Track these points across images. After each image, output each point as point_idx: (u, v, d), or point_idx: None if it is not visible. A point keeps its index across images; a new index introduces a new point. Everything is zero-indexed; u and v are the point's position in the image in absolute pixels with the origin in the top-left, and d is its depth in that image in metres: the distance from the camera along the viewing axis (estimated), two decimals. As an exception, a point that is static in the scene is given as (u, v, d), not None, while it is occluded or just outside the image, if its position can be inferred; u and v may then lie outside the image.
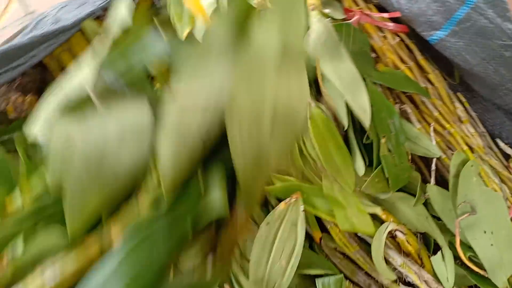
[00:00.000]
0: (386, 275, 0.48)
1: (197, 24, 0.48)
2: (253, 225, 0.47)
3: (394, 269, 0.49)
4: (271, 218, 0.44)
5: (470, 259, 0.45)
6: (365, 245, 0.52)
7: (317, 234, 0.51)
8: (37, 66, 0.56)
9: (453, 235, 0.47)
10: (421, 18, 0.55)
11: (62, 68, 0.58)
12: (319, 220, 0.52)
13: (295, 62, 0.40)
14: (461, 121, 0.58)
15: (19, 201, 0.34)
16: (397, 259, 0.48)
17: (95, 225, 0.33)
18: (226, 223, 0.40)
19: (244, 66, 0.37)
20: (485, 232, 0.45)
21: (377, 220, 0.49)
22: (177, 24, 0.51)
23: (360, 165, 0.48)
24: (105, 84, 0.36)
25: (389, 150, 0.48)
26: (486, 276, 0.45)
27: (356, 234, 0.52)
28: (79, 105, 0.34)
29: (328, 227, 0.52)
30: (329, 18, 0.54)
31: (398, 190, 0.49)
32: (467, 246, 0.45)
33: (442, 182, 0.50)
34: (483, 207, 0.46)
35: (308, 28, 0.50)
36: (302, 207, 0.45)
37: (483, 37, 0.52)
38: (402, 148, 0.48)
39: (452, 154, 0.49)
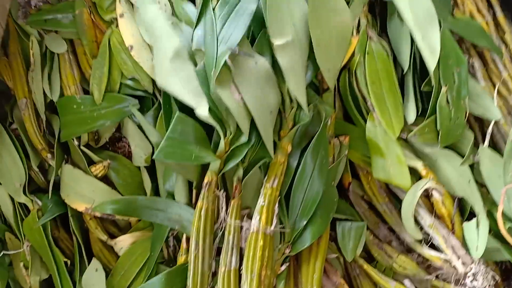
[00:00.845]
0: (412, 233, 0.45)
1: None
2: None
3: (421, 228, 0.46)
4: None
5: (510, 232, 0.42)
6: (394, 198, 0.49)
7: (347, 178, 0.48)
8: None
9: (494, 204, 0.43)
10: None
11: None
12: (352, 165, 0.49)
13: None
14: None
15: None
16: (427, 219, 0.45)
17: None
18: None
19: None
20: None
21: (414, 175, 0.46)
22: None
23: (411, 111, 0.45)
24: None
25: (447, 102, 0.44)
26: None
27: (387, 186, 0.49)
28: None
29: (360, 173, 0.49)
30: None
31: (446, 147, 0.45)
32: (508, 218, 0.42)
33: (493, 149, 0.46)
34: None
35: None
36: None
37: None
38: (461, 103, 0.44)
39: (512, 120, 0.45)
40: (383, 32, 0.50)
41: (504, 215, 0.42)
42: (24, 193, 0.50)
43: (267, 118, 0.39)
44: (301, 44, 0.40)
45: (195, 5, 0.45)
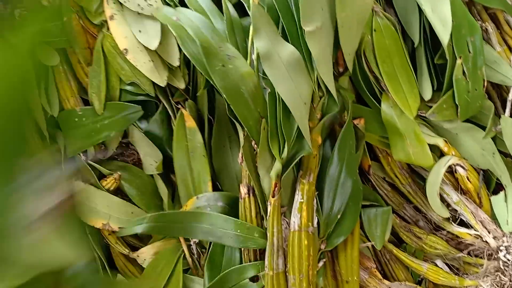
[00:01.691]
0: (438, 212, 0.44)
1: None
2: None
3: (448, 206, 0.45)
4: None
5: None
6: (417, 177, 0.47)
7: (366, 162, 0.47)
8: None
9: (522, 175, 0.42)
10: None
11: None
12: (369, 147, 0.47)
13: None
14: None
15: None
16: (453, 196, 0.44)
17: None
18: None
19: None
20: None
21: (435, 153, 0.44)
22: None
23: (426, 88, 0.43)
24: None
25: (464, 73, 0.42)
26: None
27: (408, 166, 0.47)
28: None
29: (379, 155, 0.47)
30: None
31: (466, 121, 0.43)
32: (538, 189, 0.41)
33: (515, 116, 0.44)
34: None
35: None
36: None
37: None
38: (478, 73, 0.42)
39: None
40: (388, 5, 0.47)
41: (533, 185, 0.41)
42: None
43: (303, 109, 0.37)
44: (328, 29, 0.38)
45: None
